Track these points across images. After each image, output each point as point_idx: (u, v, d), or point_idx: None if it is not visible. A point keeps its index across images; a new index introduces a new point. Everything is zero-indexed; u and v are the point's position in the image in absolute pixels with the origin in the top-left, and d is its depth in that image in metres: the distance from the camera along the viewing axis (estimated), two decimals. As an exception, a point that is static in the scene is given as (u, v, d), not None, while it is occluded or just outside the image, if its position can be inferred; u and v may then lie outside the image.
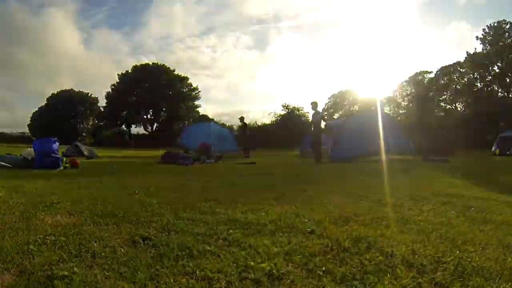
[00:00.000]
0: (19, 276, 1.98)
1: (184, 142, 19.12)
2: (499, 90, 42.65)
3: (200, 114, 56.60)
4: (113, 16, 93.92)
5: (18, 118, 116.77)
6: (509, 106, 39.65)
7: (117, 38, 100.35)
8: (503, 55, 40.72)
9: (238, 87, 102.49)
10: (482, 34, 42.33)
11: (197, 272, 2.07)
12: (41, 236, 2.67)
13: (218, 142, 17.69)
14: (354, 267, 2.16)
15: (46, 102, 57.87)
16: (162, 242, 2.60)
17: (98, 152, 18.93)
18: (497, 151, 20.41)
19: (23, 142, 41.03)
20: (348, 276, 2.04)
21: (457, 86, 46.36)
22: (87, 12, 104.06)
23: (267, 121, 47.59)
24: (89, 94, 60.20)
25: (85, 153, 16.15)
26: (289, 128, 39.77)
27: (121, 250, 2.42)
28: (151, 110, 57.70)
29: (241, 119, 20.60)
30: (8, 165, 8.60)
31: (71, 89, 59.34)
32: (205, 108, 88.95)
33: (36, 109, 59.01)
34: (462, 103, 46.80)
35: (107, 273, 2.03)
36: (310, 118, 15.01)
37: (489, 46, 41.78)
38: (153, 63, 57.61)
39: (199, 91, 59.67)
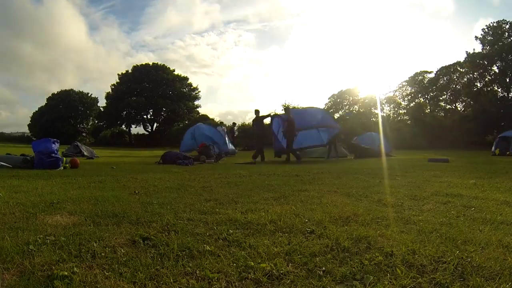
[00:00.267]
0: (19, 276, 1.98)
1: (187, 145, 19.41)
2: (499, 90, 42.63)
3: (200, 114, 56.52)
4: (117, 10, 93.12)
5: (20, 118, 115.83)
6: (509, 106, 39.62)
7: (123, 31, 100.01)
8: (502, 55, 40.70)
9: (243, 86, 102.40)
10: (481, 34, 42.31)
11: (197, 272, 2.08)
12: (41, 236, 2.67)
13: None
14: (354, 267, 2.16)
15: (46, 102, 57.90)
16: (162, 242, 2.61)
17: (98, 152, 18.96)
18: (497, 151, 20.39)
19: (23, 142, 41.08)
20: (348, 276, 2.05)
21: (456, 86, 46.37)
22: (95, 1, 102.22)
23: (267, 120, 47.61)
24: (89, 94, 60.26)
25: (85, 153, 16.18)
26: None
27: (121, 250, 2.42)
28: (151, 110, 57.63)
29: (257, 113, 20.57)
30: (8, 165, 8.60)
31: (71, 89, 59.33)
32: (210, 107, 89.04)
33: (36, 109, 59.10)
34: (462, 103, 46.83)
35: (107, 273, 2.03)
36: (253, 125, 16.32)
37: (488, 46, 41.74)
38: (153, 63, 57.56)
39: (199, 91, 59.70)
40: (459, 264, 2.20)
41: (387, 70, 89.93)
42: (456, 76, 46.52)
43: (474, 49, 43.49)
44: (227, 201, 4.38)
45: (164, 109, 56.66)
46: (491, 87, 42.71)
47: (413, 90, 50.83)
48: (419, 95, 49.70)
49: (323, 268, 2.15)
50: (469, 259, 2.26)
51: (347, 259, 2.31)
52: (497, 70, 41.86)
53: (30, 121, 59.21)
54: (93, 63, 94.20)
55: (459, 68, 45.70)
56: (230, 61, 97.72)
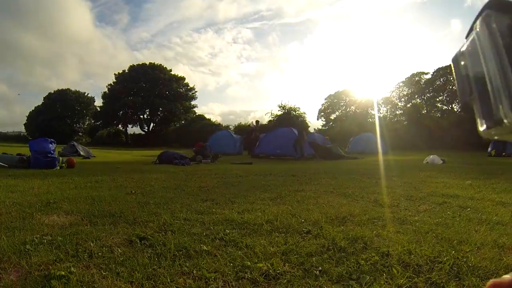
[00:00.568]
0: (16, 276, 1.98)
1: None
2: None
3: (197, 114, 56.46)
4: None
5: (17, 117, 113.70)
6: (505, 107, 39.79)
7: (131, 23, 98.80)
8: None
9: (245, 85, 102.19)
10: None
11: (194, 272, 2.08)
12: (38, 236, 2.67)
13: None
14: (350, 267, 2.17)
15: (42, 101, 57.71)
16: (159, 242, 2.61)
17: (94, 152, 18.89)
18: (493, 152, 20.46)
19: (20, 141, 40.91)
20: (345, 276, 2.06)
21: (453, 87, 46.51)
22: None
23: (264, 121, 47.57)
24: (86, 94, 60.11)
25: (82, 153, 16.14)
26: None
27: (118, 250, 2.42)
28: (147, 110, 57.49)
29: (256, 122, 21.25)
30: (4, 164, 8.57)
31: (68, 88, 59.12)
32: (212, 107, 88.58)
33: (33, 108, 58.88)
34: (458, 104, 46.96)
35: (104, 273, 2.03)
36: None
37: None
38: (150, 62, 57.39)
39: (196, 91, 59.67)
40: (454, 264, 2.21)
41: (384, 70, 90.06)
42: (453, 77, 46.62)
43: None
44: (223, 201, 4.38)
45: (160, 109, 56.52)
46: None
47: (409, 91, 50.92)
48: (416, 96, 49.80)
49: (320, 268, 2.16)
50: (464, 259, 2.28)
51: (343, 259, 2.32)
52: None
53: (27, 120, 58.96)
54: (98, 56, 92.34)
55: (455, 69, 45.83)
56: (230, 60, 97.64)
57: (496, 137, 0.38)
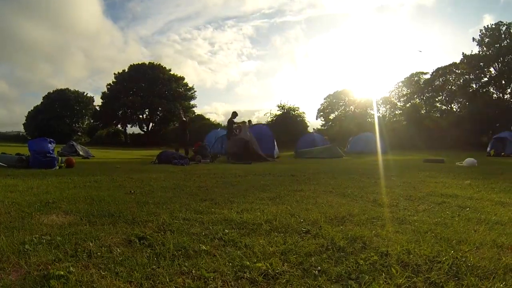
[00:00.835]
0: (15, 275, 1.98)
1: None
2: (495, 91, 42.89)
3: (197, 114, 56.45)
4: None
5: (18, 116, 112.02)
6: (504, 107, 39.85)
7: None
8: (499, 56, 40.92)
9: (248, 85, 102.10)
10: (479, 36, 42.52)
11: (193, 271, 2.08)
12: (37, 235, 2.66)
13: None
14: (349, 267, 2.17)
15: (42, 101, 57.68)
16: (158, 241, 2.61)
17: (94, 151, 18.90)
18: (492, 152, 20.53)
19: (19, 141, 40.90)
20: (344, 276, 2.06)
21: (452, 87, 46.55)
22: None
23: (262, 121, 47.53)
24: (85, 93, 60.11)
25: (81, 152, 16.15)
26: (285, 129, 39.68)
27: (117, 249, 2.42)
28: (147, 110, 57.56)
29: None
30: (3, 164, 8.57)
31: (67, 88, 59.14)
32: (216, 106, 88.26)
33: (32, 108, 58.85)
34: (457, 104, 47.01)
35: (103, 273, 2.03)
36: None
37: (485, 48, 41.95)
38: (149, 62, 57.46)
39: (195, 91, 59.74)
40: (453, 263, 2.21)
41: (383, 70, 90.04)
42: (452, 77, 46.71)
43: (472, 50, 43.75)
44: (222, 201, 4.38)
45: (160, 108, 56.56)
46: (486, 89, 42.96)
47: (409, 91, 50.97)
48: (415, 96, 49.83)
49: (319, 267, 2.16)
50: (463, 259, 2.28)
51: (342, 258, 2.32)
52: (493, 72, 42.10)
53: (26, 120, 58.91)
54: (106, 50, 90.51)
55: (454, 69, 45.88)
56: (231, 59, 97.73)
57: None
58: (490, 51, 41.45)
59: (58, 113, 54.94)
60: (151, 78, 55.03)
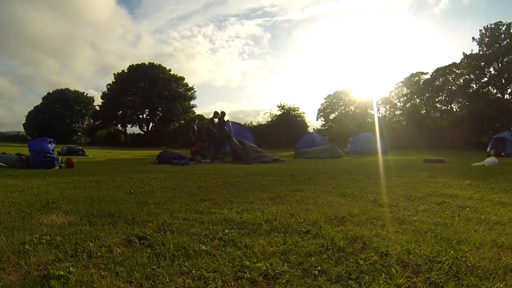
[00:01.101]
0: (15, 276, 1.98)
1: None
2: (495, 91, 42.89)
3: (197, 114, 56.42)
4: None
5: (18, 117, 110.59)
6: (504, 107, 39.86)
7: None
8: (499, 56, 40.94)
9: (251, 85, 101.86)
10: (479, 35, 42.53)
11: (193, 271, 2.08)
12: (37, 235, 2.66)
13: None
14: (349, 267, 2.17)
15: (41, 101, 57.69)
16: (158, 241, 2.61)
17: (94, 151, 18.90)
18: (492, 152, 20.48)
19: (19, 141, 40.90)
20: (344, 276, 2.05)
21: (452, 87, 46.55)
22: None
23: (263, 121, 47.48)
24: (85, 94, 60.12)
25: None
26: (285, 129, 39.65)
27: (117, 249, 2.42)
28: (146, 110, 57.50)
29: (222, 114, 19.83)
30: (3, 164, 8.57)
31: (67, 88, 59.16)
32: (221, 105, 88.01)
33: (32, 108, 58.86)
34: (457, 104, 47.03)
35: (103, 273, 2.03)
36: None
37: (485, 48, 41.95)
38: (149, 62, 57.42)
39: (195, 91, 59.68)
40: (453, 263, 2.21)
41: (383, 70, 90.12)
42: (452, 77, 46.72)
43: (472, 50, 43.74)
44: (222, 201, 4.38)
45: (160, 108, 56.50)
46: (487, 89, 42.96)
47: (409, 91, 50.97)
48: (415, 96, 49.83)
49: (319, 267, 2.16)
50: (463, 259, 2.28)
51: (342, 258, 2.31)
52: (493, 72, 42.10)
53: (26, 120, 58.92)
54: (114, 43, 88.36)
55: (454, 69, 45.88)
56: (232, 58, 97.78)
57: None
58: (490, 51, 41.45)
59: (58, 113, 54.93)
60: (151, 78, 54.97)
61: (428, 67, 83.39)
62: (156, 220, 3.29)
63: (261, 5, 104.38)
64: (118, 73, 57.55)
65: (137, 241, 2.62)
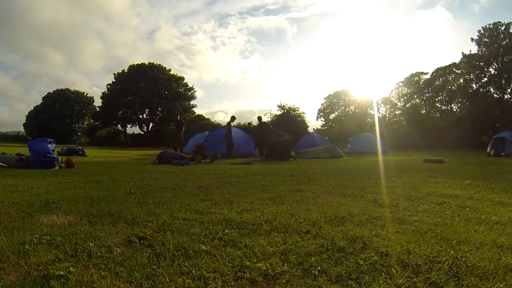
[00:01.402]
0: (15, 276, 1.98)
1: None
2: (494, 91, 42.92)
3: (196, 114, 56.46)
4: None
5: (17, 117, 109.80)
6: (504, 107, 39.91)
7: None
8: (498, 56, 40.98)
9: (255, 85, 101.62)
10: (478, 36, 42.57)
11: (193, 271, 2.08)
12: (37, 235, 2.66)
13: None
14: (349, 267, 2.17)
15: (42, 101, 57.76)
16: (158, 241, 2.61)
17: (94, 151, 18.89)
18: (492, 152, 20.50)
19: (19, 141, 40.91)
20: (344, 276, 2.05)
21: (452, 87, 46.60)
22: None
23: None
24: (85, 94, 60.19)
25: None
26: (285, 129, 39.68)
27: (117, 250, 2.42)
28: (146, 110, 57.56)
29: (259, 118, 19.39)
30: (3, 164, 8.56)
31: (67, 88, 59.28)
32: (227, 105, 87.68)
33: (32, 108, 58.93)
34: (457, 104, 47.07)
35: (103, 273, 2.03)
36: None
37: (484, 48, 41.99)
38: (149, 62, 57.47)
39: (195, 91, 59.74)
40: (453, 264, 2.21)
41: (383, 70, 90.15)
42: (452, 78, 46.76)
43: (470, 50, 43.76)
44: (222, 201, 4.38)
45: (159, 108, 56.56)
46: (486, 89, 42.99)
47: (409, 91, 51.04)
48: (415, 96, 49.88)
49: (319, 267, 2.15)
50: (463, 259, 2.28)
51: (342, 259, 2.31)
52: (493, 72, 42.12)
53: (26, 120, 58.99)
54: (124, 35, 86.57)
55: (454, 70, 45.93)
56: (231, 56, 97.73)
57: None
58: (489, 51, 41.48)
59: (58, 113, 55.05)
60: (151, 78, 55.04)
61: (428, 67, 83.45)
62: (156, 220, 3.29)
63: (263, 3, 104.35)
64: (118, 73, 57.66)
65: (137, 241, 2.62)
